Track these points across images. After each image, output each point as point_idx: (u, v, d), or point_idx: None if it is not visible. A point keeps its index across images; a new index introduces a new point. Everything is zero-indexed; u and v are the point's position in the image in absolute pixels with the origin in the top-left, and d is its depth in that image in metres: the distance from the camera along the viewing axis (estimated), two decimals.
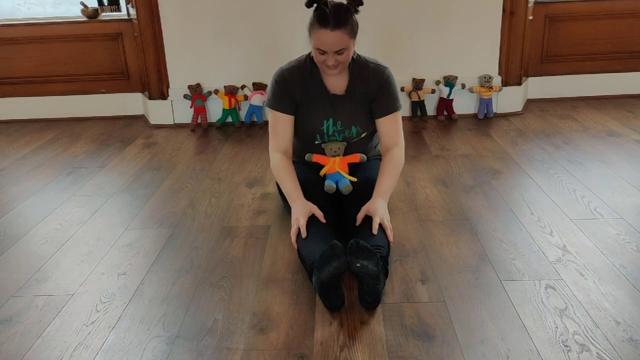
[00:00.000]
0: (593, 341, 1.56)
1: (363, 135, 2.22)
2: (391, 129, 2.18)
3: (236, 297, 1.84)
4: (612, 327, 1.62)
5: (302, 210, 2.01)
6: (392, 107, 2.17)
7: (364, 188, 2.15)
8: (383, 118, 2.17)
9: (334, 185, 2.16)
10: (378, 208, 2.00)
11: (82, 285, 1.96)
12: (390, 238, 1.96)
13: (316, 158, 2.22)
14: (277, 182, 2.38)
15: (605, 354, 1.51)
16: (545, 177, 2.72)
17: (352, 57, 2.14)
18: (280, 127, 2.18)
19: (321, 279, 1.71)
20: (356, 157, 2.22)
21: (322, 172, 2.22)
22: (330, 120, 2.16)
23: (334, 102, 2.16)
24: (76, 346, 1.64)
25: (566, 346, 1.54)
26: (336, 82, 2.16)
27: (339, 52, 1.97)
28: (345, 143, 2.20)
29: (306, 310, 1.75)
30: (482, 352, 1.53)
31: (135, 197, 2.68)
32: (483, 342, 1.57)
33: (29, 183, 2.94)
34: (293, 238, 1.96)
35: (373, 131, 2.29)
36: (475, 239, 2.16)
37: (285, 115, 2.16)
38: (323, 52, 1.98)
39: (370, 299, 1.72)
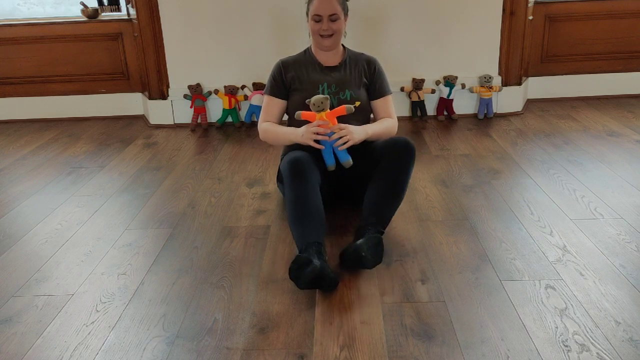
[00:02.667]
0: (593, 341, 1.56)
1: (357, 104, 2.30)
2: (386, 108, 2.42)
3: (236, 297, 1.84)
4: (612, 327, 1.62)
5: (304, 128, 2.20)
6: (385, 90, 2.42)
7: (367, 167, 2.22)
8: (379, 99, 2.41)
9: (334, 164, 2.19)
10: (355, 130, 2.19)
11: (82, 285, 1.96)
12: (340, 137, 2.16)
13: (304, 115, 2.21)
14: (277, 180, 2.47)
15: (605, 354, 1.51)
16: (545, 177, 2.72)
17: (344, 46, 2.41)
18: (271, 107, 2.42)
19: (302, 287, 1.79)
20: (342, 110, 2.19)
21: None
22: (325, 84, 2.33)
23: (326, 71, 2.37)
24: (76, 346, 1.64)
25: (566, 346, 1.54)
26: (330, 59, 2.39)
27: (332, 19, 2.25)
28: (329, 97, 2.20)
29: (306, 310, 1.75)
30: (482, 352, 1.53)
31: (135, 197, 2.68)
32: (483, 342, 1.57)
33: (29, 183, 2.94)
34: (313, 144, 2.17)
35: (366, 110, 2.39)
36: (475, 239, 2.16)
37: (276, 99, 2.40)
38: (319, 20, 2.26)
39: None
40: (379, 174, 2.16)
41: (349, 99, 2.31)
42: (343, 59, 2.39)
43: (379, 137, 2.32)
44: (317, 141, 2.17)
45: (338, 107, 2.21)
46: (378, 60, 2.44)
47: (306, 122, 2.22)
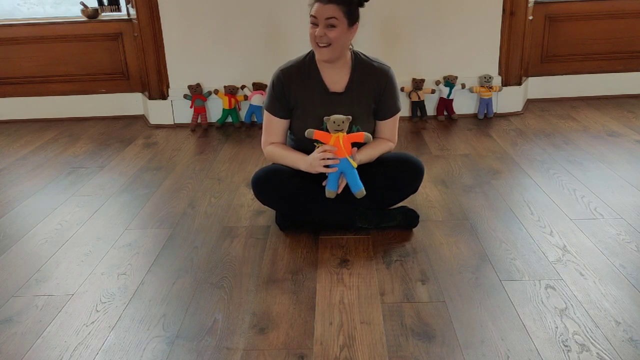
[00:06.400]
0: (593, 341, 1.56)
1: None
2: (390, 130, 2.29)
3: (236, 297, 1.84)
4: (612, 327, 1.62)
5: (312, 157, 2.10)
6: (394, 110, 2.26)
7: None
8: (386, 120, 2.25)
9: (335, 191, 2.11)
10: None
11: (82, 285, 1.96)
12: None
13: (317, 135, 2.07)
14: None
15: (605, 354, 1.51)
16: (545, 177, 2.72)
17: (354, 53, 2.20)
18: (274, 128, 2.25)
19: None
20: (360, 136, 2.07)
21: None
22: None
23: (333, 100, 2.16)
24: (76, 346, 1.64)
25: (566, 346, 1.54)
26: (336, 78, 2.17)
27: (329, 23, 2.03)
28: (351, 117, 2.08)
29: (306, 310, 1.75)
30: (482, 352, 1.53)
31: (135, 197, 2.69)
32: (483, 342, 1.57)
33: (29, 183, 2.94)
34: (324, 170, 2.08)
35: (371, 133, 2.28)
36: (475, 239, 2.16)
37: (278, 119, 2.23)
38: (315, 23, 2.05)
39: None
40: (390, 193, 2.25)
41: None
42: (350, 78, 2.17)
43: (368, 158, 2.21)
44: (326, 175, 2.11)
45: (357, 133, 2.08)
46: (391, 70, 2.22)
47: (316, 141, 2.10)
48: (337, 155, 2.05)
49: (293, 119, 2.23)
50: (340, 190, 2.13)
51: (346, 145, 2.06)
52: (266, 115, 2.25)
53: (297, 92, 2.17)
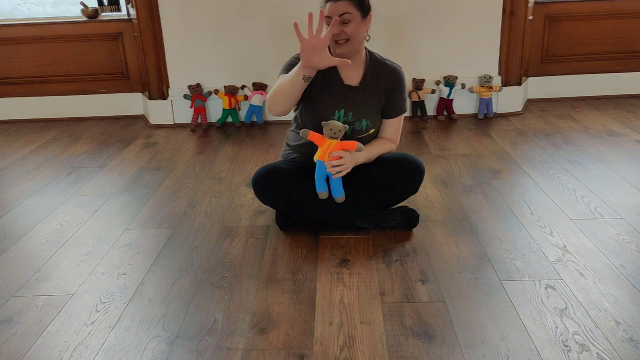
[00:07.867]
0: (593, 341, 1.56)
1: (371, 131, 2.23)
2: (393, 129, 2.31)
3: (236, 297, 1.84)
4: (612, 327, 1.62)
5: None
6: (401, 109, 2.28)
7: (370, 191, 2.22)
8: (391, 119, 2.28)
9: (326, 192, 2.15)
10: (351, 160, 2.13)
11: (82, 285, 1.96)
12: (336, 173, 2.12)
13: (312, 136, 2.11)
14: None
15: (605, 354, 1.51)
16: (545, 177, 2.72)
17: (368, 51, 2.24)
18: None
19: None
20: (353, 145, 2.11)
21: (315, 157, 2.13)
22: (342, 111, 2.18)
23: (347, 93, 2.19)
24: (76, 346, 1.64)
25: (566, 346, 1.54)
26: (351, 73, 2.20)
27: (343, 19, 2.05)
28: (347, 127, 2.13)
29: (306, 310, 1.75)
30: (482, 352, 1.53)
31: (135, 197, 2.69)
32: (483, 342, 1.57)
33: (29, 183, 2.94)
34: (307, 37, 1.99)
35: (377, 131, 2.31)
36: (475, 239, 2.16)
37: None
38: (330, 23, 2.04)
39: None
40: (390, 193, 2.24)
41: (364, 128, 2.20)
42: (364, 74, 2.20)
43: (369, 158, 2.23)
44: (314, 164, 2.13)
45: (350, 142, 2.12)
46: (403, 70, 2.26)
47: (309, 143, 2.14)
48: (322, 159, 2.11)
49: (305, 106, 2.22)
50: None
51: (337, 150, 2.12)
52: (278, 80, 2.16)
53: (314, 77, 2.13)
